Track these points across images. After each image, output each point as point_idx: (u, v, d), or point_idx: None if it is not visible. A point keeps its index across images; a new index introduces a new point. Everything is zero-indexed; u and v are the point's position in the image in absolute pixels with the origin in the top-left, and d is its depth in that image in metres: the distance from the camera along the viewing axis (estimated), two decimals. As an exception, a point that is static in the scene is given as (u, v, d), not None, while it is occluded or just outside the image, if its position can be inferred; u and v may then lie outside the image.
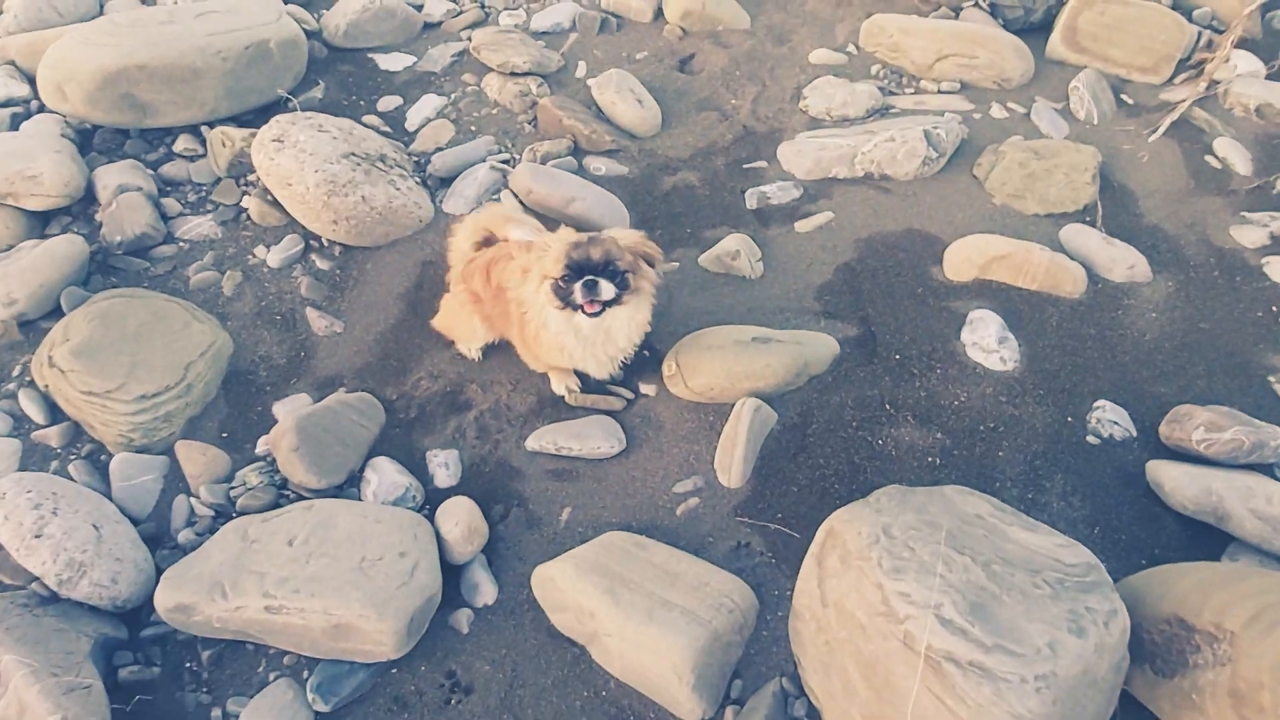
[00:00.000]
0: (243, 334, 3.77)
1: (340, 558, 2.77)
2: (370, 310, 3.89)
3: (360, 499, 3.18)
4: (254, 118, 4.50)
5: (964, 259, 3.90)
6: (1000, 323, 3.62)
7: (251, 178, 4.33)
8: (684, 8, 5.31)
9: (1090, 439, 3.31)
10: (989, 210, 4.24)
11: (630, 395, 3.52)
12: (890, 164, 4.40)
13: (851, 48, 5.24)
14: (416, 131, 4.76)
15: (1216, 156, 4.48)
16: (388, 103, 4.93)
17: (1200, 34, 5.05)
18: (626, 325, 3.10)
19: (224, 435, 3.43)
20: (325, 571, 2.72)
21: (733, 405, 3.32)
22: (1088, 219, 4.15)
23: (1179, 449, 3.23)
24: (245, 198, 4.26)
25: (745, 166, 4.55)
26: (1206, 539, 3.02)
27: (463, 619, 2.89)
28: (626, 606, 2.64)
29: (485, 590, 2.95)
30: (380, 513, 2.97)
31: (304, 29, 5.17)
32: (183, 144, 4.49)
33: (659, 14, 5.45)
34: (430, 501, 3.21)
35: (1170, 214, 4.20)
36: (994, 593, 2.30)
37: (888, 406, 3.40)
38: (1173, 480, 3.06)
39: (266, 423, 3.45)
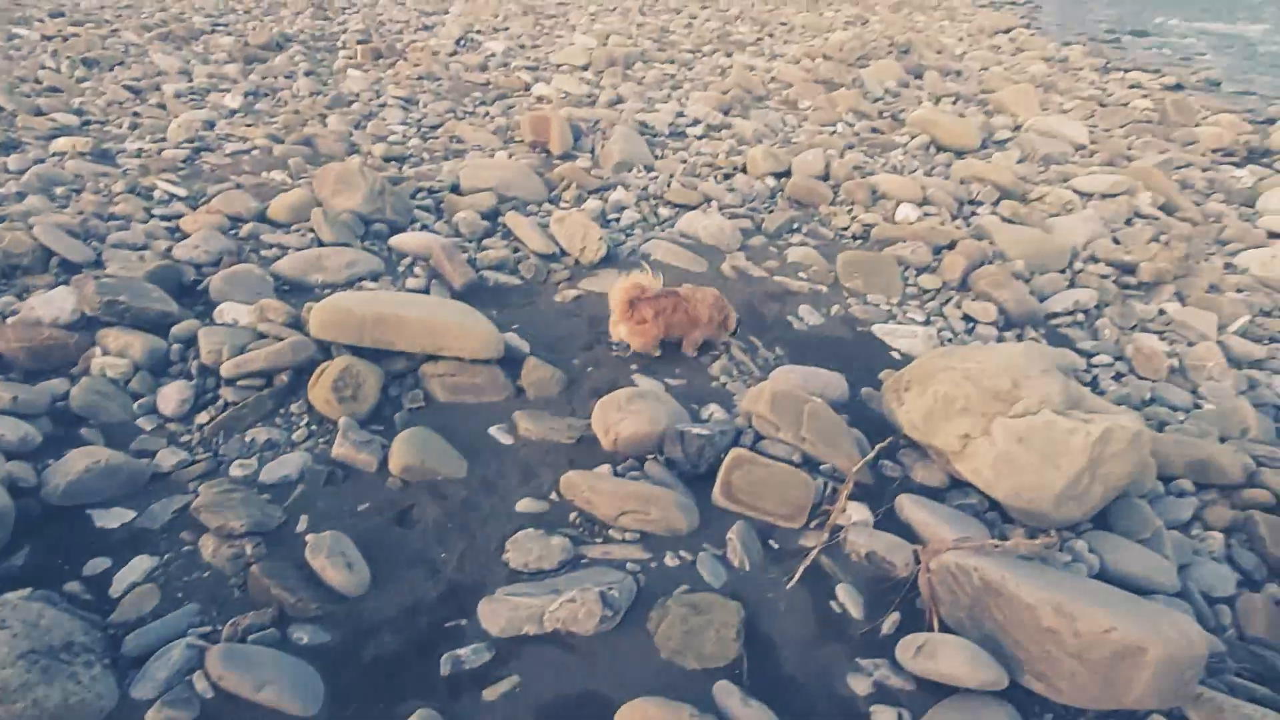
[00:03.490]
0: None
1: None
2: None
3: None
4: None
5: (626, 729, 4.39)
6: (653, 799, 4.05)
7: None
8: (405, 461, 5.99)
9: None
10: (656, 666, 4.85)
11: None
12: (574, 622, 4.99)
13: (554, 495, 6.07)
14: (120, 598, 4.82)
15: (838, 602, 5.44)
16: (95, 565, 4.99)
17: (826, 484, 6.34)
18: None
19: None
20: None
21: None
22: (737, 671, 4.84)
23: None
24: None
25: (446, 625, 4.97)
26: None
27: None
28: None
29: None
30: None
31: (20, 485, 5.30)
32: None
33: (383, 464, 6.09)
34: None
35: (801, 664, 5.00)
36: None
37: None
38: None
39: None
